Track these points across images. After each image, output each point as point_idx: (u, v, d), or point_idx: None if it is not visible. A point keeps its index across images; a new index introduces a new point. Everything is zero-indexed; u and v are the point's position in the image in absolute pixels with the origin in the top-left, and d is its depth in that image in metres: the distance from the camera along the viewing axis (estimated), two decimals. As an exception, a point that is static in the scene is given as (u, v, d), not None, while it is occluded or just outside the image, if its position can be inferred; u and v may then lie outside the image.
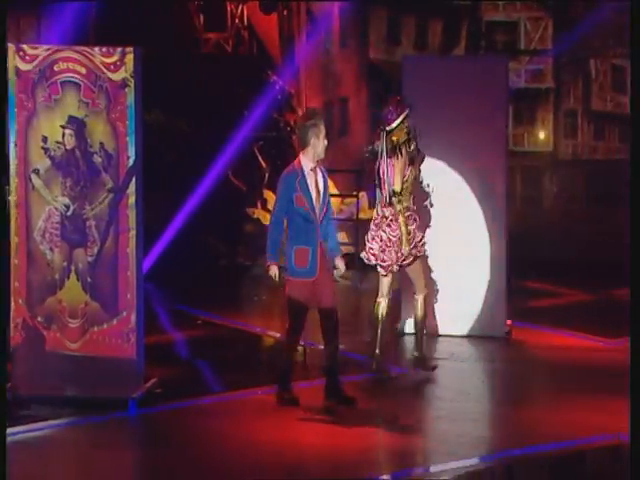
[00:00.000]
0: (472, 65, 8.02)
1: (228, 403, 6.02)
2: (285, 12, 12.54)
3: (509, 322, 7.84)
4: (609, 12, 12.25)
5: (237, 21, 12.36)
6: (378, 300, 6.66)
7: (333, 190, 11.05)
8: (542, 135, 12.32)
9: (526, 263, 10.86)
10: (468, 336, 7.69)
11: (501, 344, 7.59)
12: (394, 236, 6.52)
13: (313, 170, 5.97)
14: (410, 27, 12.30)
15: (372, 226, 6.62)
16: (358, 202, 10.84)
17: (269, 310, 9.37)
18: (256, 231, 11.76)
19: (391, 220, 6.53)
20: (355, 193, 10.90)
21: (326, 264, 6.02)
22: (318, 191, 5.97)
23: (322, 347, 6.12)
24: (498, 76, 7.79)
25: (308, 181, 5.94)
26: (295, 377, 6.06)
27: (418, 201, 7.02)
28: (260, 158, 12.18)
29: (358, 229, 10.07)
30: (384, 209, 6.56)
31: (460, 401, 6.12)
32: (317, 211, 5.97)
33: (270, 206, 11.87)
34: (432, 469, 4.91)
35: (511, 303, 7.92)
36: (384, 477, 4.86)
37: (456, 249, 7.76)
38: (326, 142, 5.96)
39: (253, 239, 11.68)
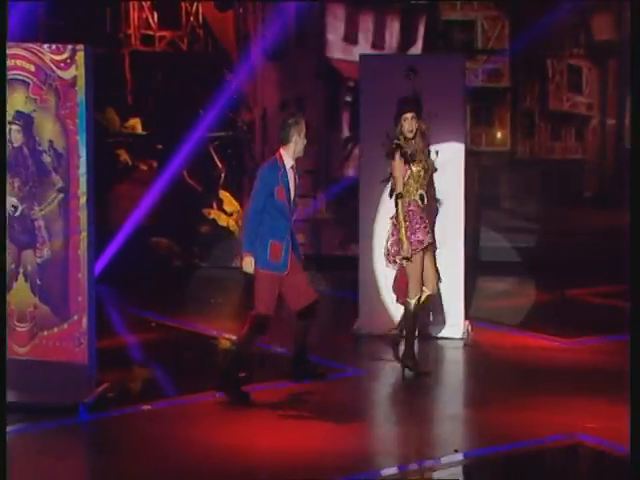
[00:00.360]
0: (429, 64, 8.03)
1: (182, 407, 5.97)
2: (241, 10, 12.49)
3: (467, 323, 7.87)
4: (565, 12, 12.38)
5: (192, 19, 12.28)
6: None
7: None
8: (499, 135, 12.37)
9: (483, 263, 10.95)
10: (426, 337, 7.70)
11: (459, 345, 7.62)
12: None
13: (292, 167, 6.25)
14: (367, 26, 12.29)
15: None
16: (315, 202, 10.83)
17: (224, 312, 9.32)
18: (212, 232, 11.69)
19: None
20: (312, 194, 10.89)
21: (295, 260, 6.25)
22: (295, 188, 6.28)
23: (280, 348, 6.12)
24: (455, 75, 7.82)
25: (289, 177, 6.21)
26: (252, 380, 6.03)
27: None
28: (216, 158, 12.12)
29: (315, 230, 10.05)
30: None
31: (419, 403, 6.13)
32: (292, 208, 6.26)
33: (226, 207, 11.80)
34: (387, 472, 4.90)
35: (469, 303, 7.96)
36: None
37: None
38: (305, 141, 6.24)
39: (208, 240, 11.62)
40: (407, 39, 12.42)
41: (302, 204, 11.42)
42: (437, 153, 7.04)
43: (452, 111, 7.80)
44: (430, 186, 7.04)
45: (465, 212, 7.90)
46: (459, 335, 7.68)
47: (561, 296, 10.07)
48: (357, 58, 8.23)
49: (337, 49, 12.16)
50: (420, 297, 6.71)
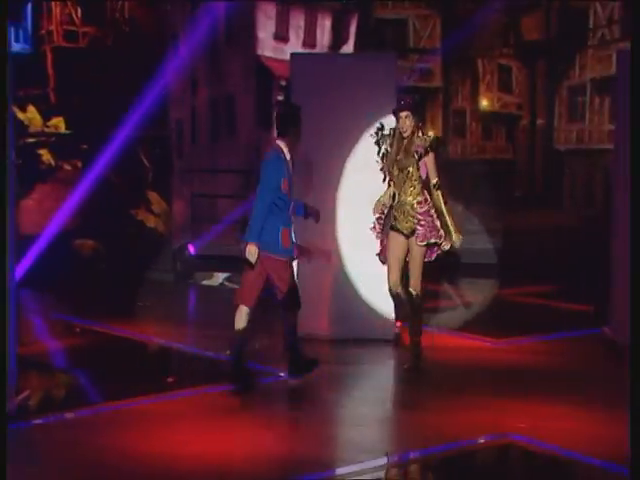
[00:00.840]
0: (361, 63, 8.04)
1: (106, 414, 5.86)
2: (169, 6, 12.36)
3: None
4: (495, 12, 12.56)
5: (117, 15, 12.12)
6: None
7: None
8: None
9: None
10: (357, 339, 7.71)
11: (391, 346, 7.65)
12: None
13: (290, 159, 6.45)
14: (298, 24, 12.30)
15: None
16: (247, 203, 10.73)
17: (153, 316, 9.20)
18: (139, 234, 11.54)
19: None
20: (243, 194, 10.82)
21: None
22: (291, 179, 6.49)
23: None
24: (387, 74, 7.83)
25: (290, 168, 6.43)
26: (184, 385, 5.96)
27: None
28: (143, 157, 11.97)
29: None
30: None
31: (350, 406, 6.13)
32: (291, 198, 6.48)
33: (154, 207, 11.66)
34: (315, 477, 4.88)
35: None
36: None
37: (349, 249, 7.81)
38: (300, 133, 6.51)
39: (136, 242, 11.46)
40: (339, 37, 12.48)
41: (233, 205, 11.41)
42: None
43: (384, 111, 7.81)
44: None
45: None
46: (390, 336, 7.71)
47: (492, 296, 10.20)
48: (288, 56, 8.16)
49: (268, 47, 12.14)
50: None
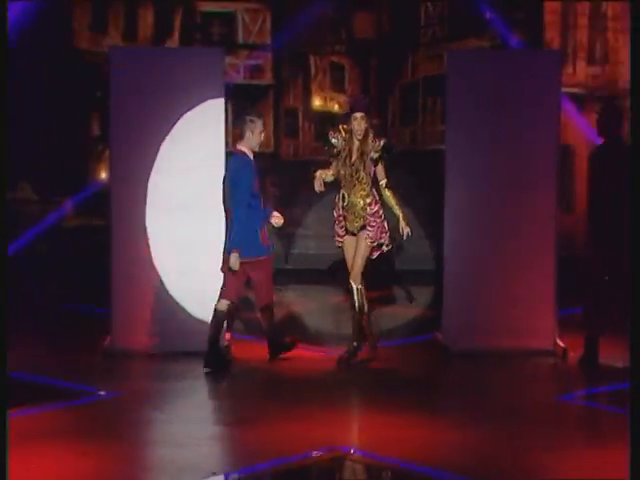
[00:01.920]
0: (187, 58, 7.90)
1: None
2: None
3: (228, 335, 7.81)
4: (326, 7, 12.69)
5: None
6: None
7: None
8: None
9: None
10: (187, 352, 7.56)
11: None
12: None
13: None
14: (118, 15, 12.00)
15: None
16: (61, 209, 10.40)
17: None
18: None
19: None
20: (57, 199, 10.45)
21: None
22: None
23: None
24: (214, 70, 7.72)
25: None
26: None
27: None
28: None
29: (61, 238, 9.64)
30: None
31: (173, 424, 5.98)
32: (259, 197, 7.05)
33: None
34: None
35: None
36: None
37: (168, 258, 7.66)
38: (261, 138, 7.11)
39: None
40: (162, 30, 12.27)
41: (45, 210, 10.97)
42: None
43: (211, 109, 7.70)
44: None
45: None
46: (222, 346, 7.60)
47: (324, 304, 10.27)
48: (107, 49, 7.91)
49: (84, 39, 11.77)
50: None
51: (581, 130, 10.98)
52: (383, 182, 7.26)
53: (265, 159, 12.85)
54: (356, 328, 7.34)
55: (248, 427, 5.85)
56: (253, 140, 7.08)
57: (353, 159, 7.21)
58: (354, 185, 7.22)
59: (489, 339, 7.67)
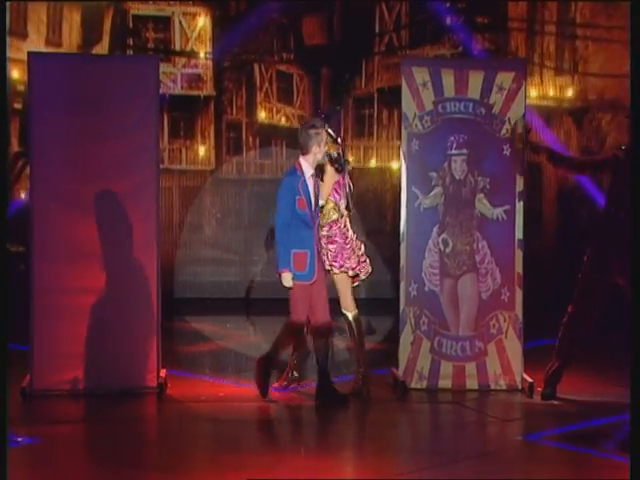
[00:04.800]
0: (117, 65, 7.93)
1: None
2: None
3: (163, 372, 7.81)
4: (273, 12, 12.77)
5: None
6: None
7: None
8: (202, 150, 12.47)
9: (178, 300, 10.95)
10: (114, 392, 7.54)
11: (154, 399, 7.53)
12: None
13: (312, 176, 7.21)
14: (40, 19, 11.99)
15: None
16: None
17: None
18: None
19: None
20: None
21: (322, 268, 7.31)
22: (315, 197, 7.22)
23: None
24: (148, 80, 7.75)
25: (309, 186, 7.16)
26: None
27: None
28: None
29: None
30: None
31: (102, 473, 5.95)
32: (314, 216, 7.20)
33: None
34: None
35: (165, 348, 7.91)
36: None
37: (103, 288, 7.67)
38: (325, 149, 7.29)
39: None
40: (90, 35, 12.27)
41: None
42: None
43: (143, 122, 7.73)
44: None
45: (161, 242, 7.86)
46: (154, 384, 7.60)
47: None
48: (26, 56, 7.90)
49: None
50: None
51: (548, 145, 11.13)
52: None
53: (204, 177, 12.88)
54: (360, 355, 7.64)
55: (176, 474, 5.84)
56: (320, 153, 7.25)
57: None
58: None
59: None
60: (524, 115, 7.90)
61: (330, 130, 7.46)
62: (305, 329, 7.45)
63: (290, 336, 7.41)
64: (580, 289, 7.43)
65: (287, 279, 7.14)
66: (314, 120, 7.60)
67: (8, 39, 11.55)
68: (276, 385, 7.70)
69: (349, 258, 7.54)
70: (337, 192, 7.61)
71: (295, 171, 7.23)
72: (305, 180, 7.17)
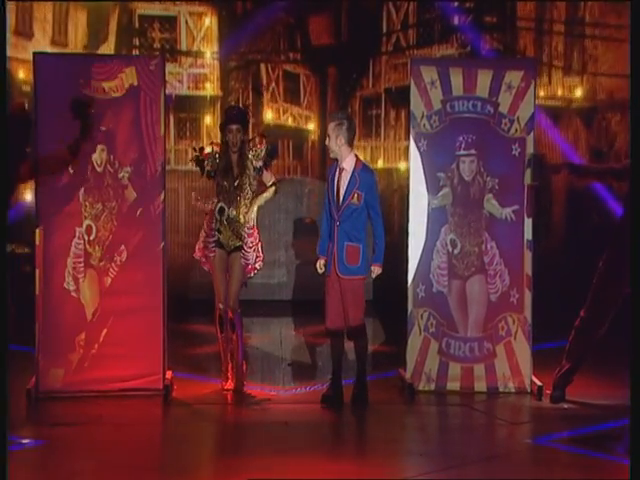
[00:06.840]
0: (123, 65, 7.93)
1: None
2: None
3: (170, 374, 7.80)
4: (279, 12, 12.76)
5: None
6: None
7: None
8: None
9: (185, 303, 10.93)
10: (118, 393, 7.53)
11: (159, 401, 7.51)
12: None
13: (343, 169, 7.23)
14: (46, 19, 11.99)
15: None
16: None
17: None
18: None
19: None
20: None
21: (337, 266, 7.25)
22: (343, 190, 7.19)
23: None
24: (154, 78, 7.76)
25: (336, 177, 7.22)
26: None
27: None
28: None
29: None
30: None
31: (102, 470, 5.94)
32: (336, 208, 7.20)
33: None
34: None
35: (171, 350, 7.91)
36: None
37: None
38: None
39: None
40: (97, 35, 12.27)
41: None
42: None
43: (151, 122, 7.74)
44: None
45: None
46: (159, 386, 7.59)
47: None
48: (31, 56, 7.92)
49: (7, 44, 11.74)
50: None
51: (556, 146, 11.10)
52: (271, 184, 7.68)
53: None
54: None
55: (185, 477, 5.84)
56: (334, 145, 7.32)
57: (235, 173, 7.61)
58: (236, 199, 7.62)
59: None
60: (533, 115, 7.85)
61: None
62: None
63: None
64: (594, 295, 7.36)
65: (322, 264, 7.38)
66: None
67: (14, 39, 11.58)
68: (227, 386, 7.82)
69: (259, 258, 7.78)
70: None
71: (335, 163, 7.37)
72: (335, 171, 7.31)
